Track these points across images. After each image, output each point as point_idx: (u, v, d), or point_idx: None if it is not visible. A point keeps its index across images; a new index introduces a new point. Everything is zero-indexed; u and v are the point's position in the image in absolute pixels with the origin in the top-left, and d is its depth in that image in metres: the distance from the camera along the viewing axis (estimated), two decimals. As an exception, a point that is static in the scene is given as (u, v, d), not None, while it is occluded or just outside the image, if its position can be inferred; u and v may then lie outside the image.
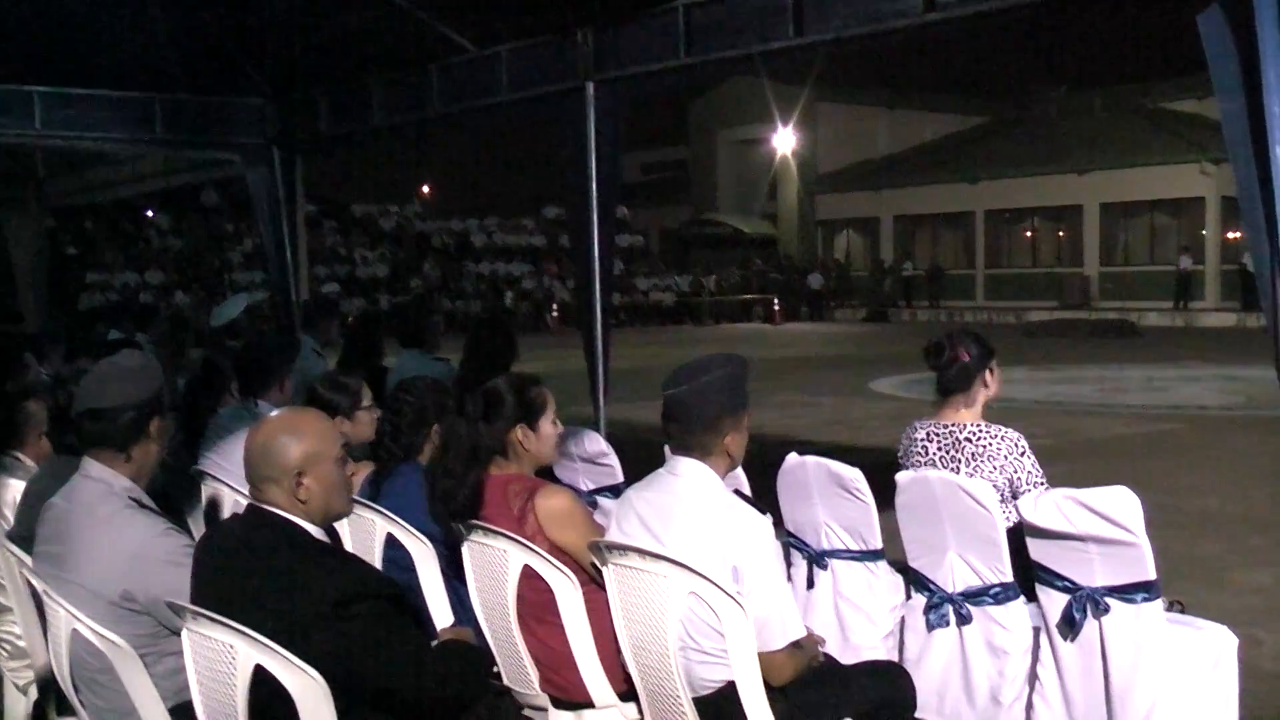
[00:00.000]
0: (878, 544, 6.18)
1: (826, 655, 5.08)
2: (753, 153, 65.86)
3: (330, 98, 12.67)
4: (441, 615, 5.40)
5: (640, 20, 9.16)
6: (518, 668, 5.18)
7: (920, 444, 6.18)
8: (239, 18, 10.79)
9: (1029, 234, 58.47)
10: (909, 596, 6.08)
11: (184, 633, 4.01)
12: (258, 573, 4.07)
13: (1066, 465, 12.43)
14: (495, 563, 5.09)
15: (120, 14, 10.62)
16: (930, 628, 5.78)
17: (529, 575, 4.97)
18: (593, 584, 4.91)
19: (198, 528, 6.70)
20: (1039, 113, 64.53)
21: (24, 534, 5.33)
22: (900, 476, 5.91)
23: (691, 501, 4.66)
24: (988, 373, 6.18)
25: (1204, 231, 51.44)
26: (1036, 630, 5.48)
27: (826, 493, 6.24)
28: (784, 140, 60.85)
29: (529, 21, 9.88)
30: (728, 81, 57.79)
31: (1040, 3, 7.20)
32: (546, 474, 6.41)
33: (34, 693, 5.72)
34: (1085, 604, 5.11)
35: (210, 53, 11.72)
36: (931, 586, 5.79)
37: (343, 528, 5.66)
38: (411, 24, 10.01)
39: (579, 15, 9.44)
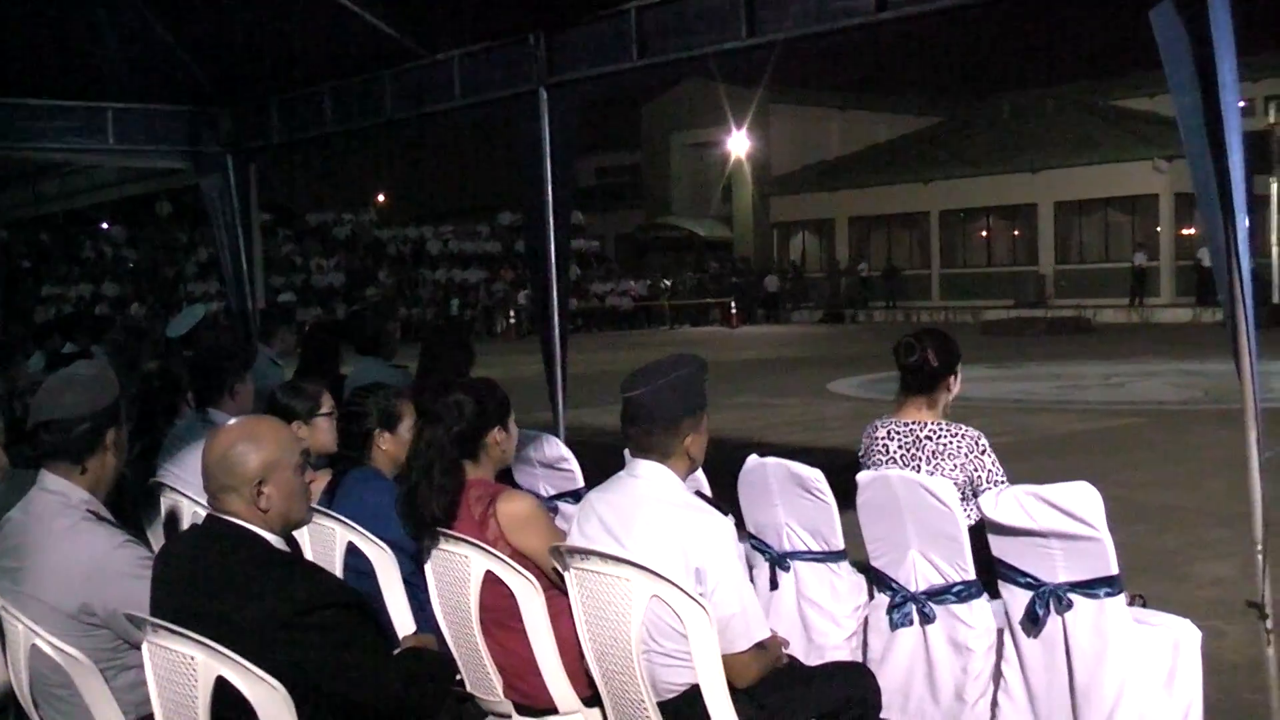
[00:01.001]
0: (839, 544, 6.18)
1: (790, 656, 5.08)
2: (707, 156, 66.00)
3: (282, 104, 12.61)
4: (403, 622, 5.38)
5: (592, 23, 9.14)
6: (481, 674, 5.15)
7: (881, 442, 6.18)
8: (189, 24, 10.73)
9: (984, 233, 58.68)
10: (872, 596, 6.07)
11: (144, 645, 3.98)
12: (217, 583, 4.03)
13: (1026, 462, 12.44)
14: (457, 568, 5.06)
15: (70, 22, 10.54)
16: (894, 627, 5.78)
17: (491, 581, 4.94)
18: (555, 589, 4.89)
19: (157, 540, 6.65)
20: (992, 112, 64.89)
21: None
22: (861, 476, 5.90)
23: (652, 504, 4.64)
24: (952, 377, 6.19)
25: (1158, 228, 51.75)
26: (1000, 628, 5.49)
27: (787, 494, 6.23)
28: (738, 143, 60.95)
29: (481, 26, 9.85)
30: (680, 85, 57.88)
31: (992, 1, 7.20)
32: (505, 479, 6.39)
33: (-5, 710, 5.67)
34: (1048, 600, 5.11)
35: (161, 60, 11.64)
36: (894, 585, 5.78)
37: (303, 536, 5.63)
38: (363, 29, 9.96)
39: (531, 19, 9.41)
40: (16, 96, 12.29)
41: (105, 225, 52.74)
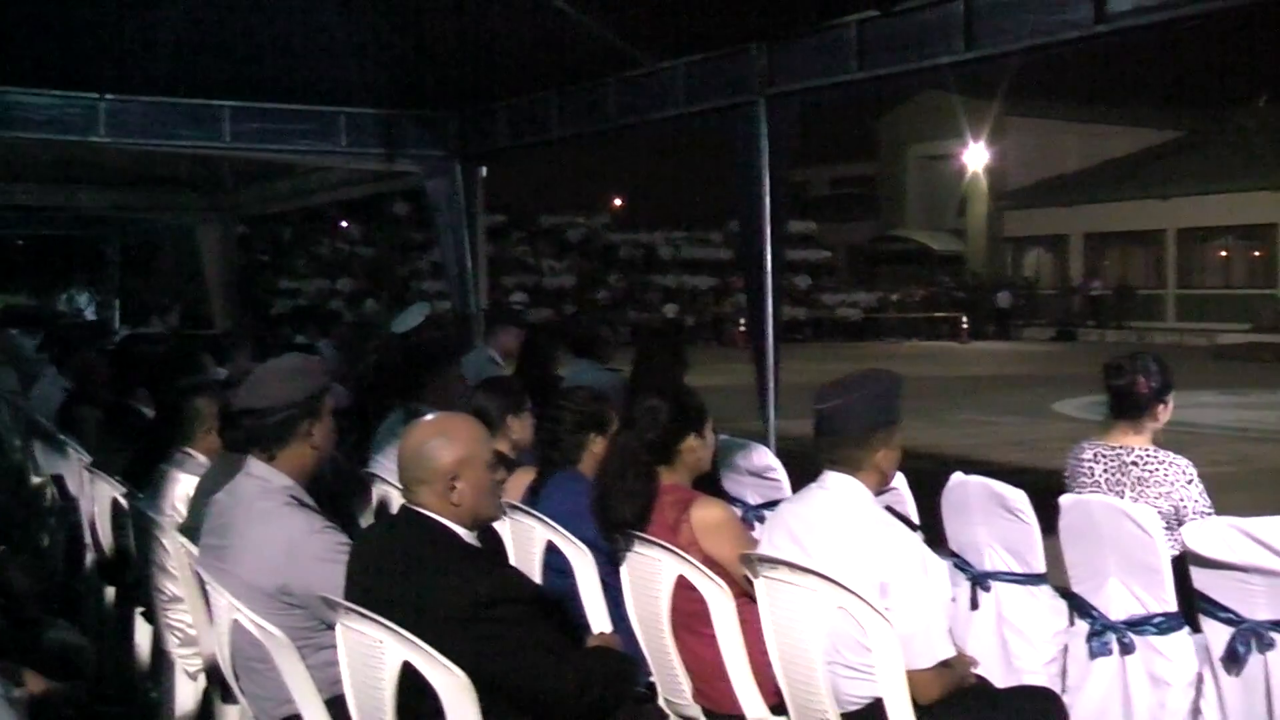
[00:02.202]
0: (1041, 567, 6.09)
1: (979, 677, 5.02)
2: (942, 168, 65.17)
3: (509, 109, 12.85)
4: (599, 622, 5.44)
5: (813, 35, 9.18)
6: (671, 677, 5.21)
7: (1086, 465, 6.10)
8: (421, 32, 10.99)
9: (1222, 253, 56.88)
10: (1072, 622, 5.97)
11: (337, 627, 4.13)
12: (406, 572, 4.19)
13: (1244, 494, 12.02)
14: (650, 572, 5.12)
15: (306, 30, 10.87)
16: (1092, 655, 5.67)
17: (683, 586, 4.99)
18: (745, 596, 4.91)
19: (366, 528, 6.84)
20: (1236, 125, 62.81)
21: (194, 527, 5.51)
22: (1064, 499, 5.83)
23: (840, 516, 4.65)
24: (1162, 405, 6.06)
25: None
26: (1200, 664, 5.37)
27: (989, 513, 6.17)
28: (973, 156, 60.12)
29: (705, 35, 9.94)
30: (917, 95, 57.28)
31: (1219, 11, 7.06)
32: (713, 487, 6.44)
33: (202, 680, 5.89)
34: (1249, 637, 4.99)
35: (393, 66, 11.96)
36: (1094, 613, 5.69)
37: (504, 534, 5.76)
38: (589, 37, 10.11)
39: (753, 30, 9.48)
40: (254, 100, 12.73)
41: (343, 223, 53.97)
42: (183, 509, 6.33)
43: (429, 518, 4.26)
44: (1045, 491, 6.06)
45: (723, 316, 55.17)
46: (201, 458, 6.59)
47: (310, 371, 5.06)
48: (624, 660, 4.76)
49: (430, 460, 4.25)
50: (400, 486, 5.96)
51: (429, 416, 4.52)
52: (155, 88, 12.34)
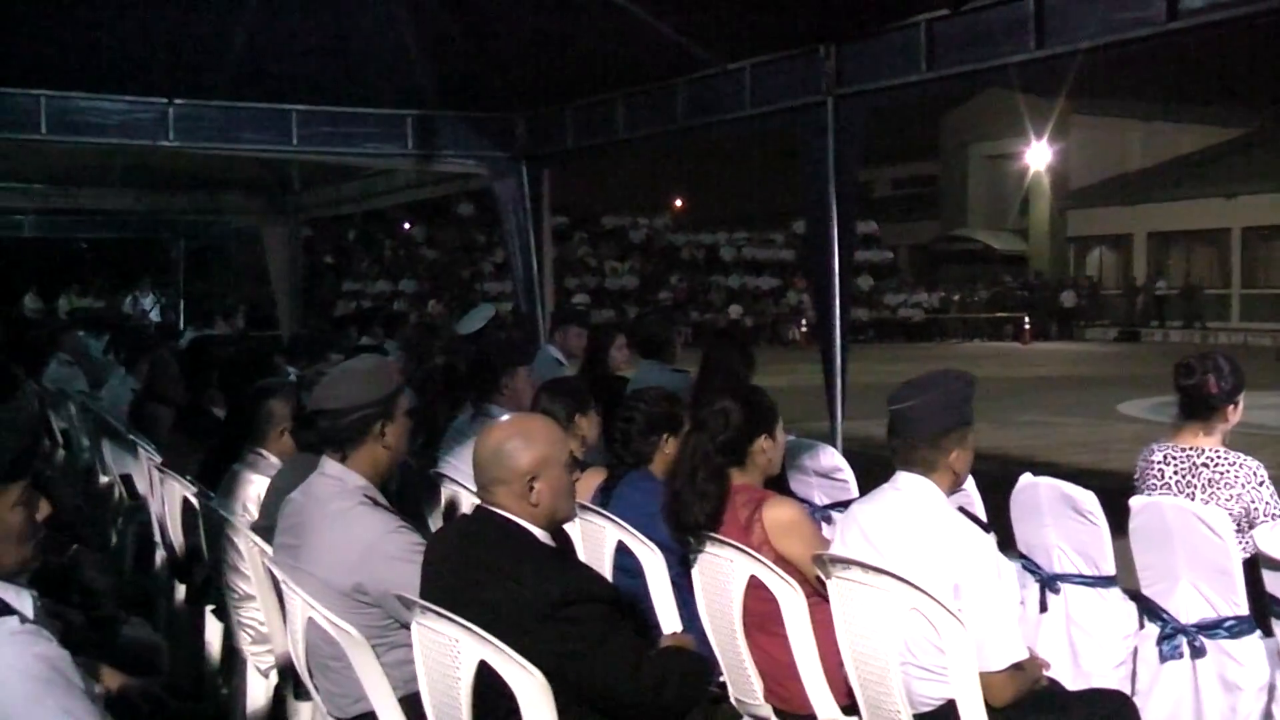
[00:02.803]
0: (1110, 569, 6.05)
1: (1051, 680, 5.00)
2: (1005, 167, 64.68)
3: (576, 112, 12.89)
4: (669, 623, 5.45)
5: (882, 35, 9.16)
6: (742, 677, 5.21)
7: (1156, 467, 6.06)
8: (488, 34, 11.03)
9: (1289, 252, 56.31)
10: (1142, 625, 5.94)
11: (413, 626, 4.16)
12: (483, 571, 4.21)
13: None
14: (722, 572, 5.13)
15: (373, 33, 10.94)
16: (1163, 659, 5.65)
17: (755, 585, 5.00)
18: (817, 596, 4.91)
19: (436, 528, 6.87)
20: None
21: (267, 526, 5.56)
22: (1134, 501, 5.81)
23: (913, 517, 4.65)
24: (1231, 407, 6.01)
25: None
26: (1273, 668, 5.34)
27: (1058, 515, 6.14)
28: (1036, 154, 59.65)
29: (773, 36, 9.93)
30: (980, 95, 56.88)
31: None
32: (782, 487, 6.44)
33: (274, 676, 5.96)
34: (1320, 640, 4.97)
35: (460, 68, 12.01)
36: (1164, 616, 5.66)
37: (575, 534, 5.77)
38: (656, 39, 10.12)
39: (822, 30, 9.47)
40: (321, 104, 12.82)
41: (406, 225, 54.18)
42: (254, 509, 6.38)
43: (505, 518, 4.29)
44: (1113, 493, 6.04)
45: (779, 317, 55.04)
46: (273, 458, 6.65)
47: (385, 373, 5.10)
48: (698, 660, 4.76)
49: (510, 461, 4.29)
50: (470, 487, 6.02)
51: (506, 417, 4.55)
52: (223, 92, 12.45)
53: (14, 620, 3.42)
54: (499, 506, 4.31)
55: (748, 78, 10.43)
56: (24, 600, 3.58)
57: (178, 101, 12.60)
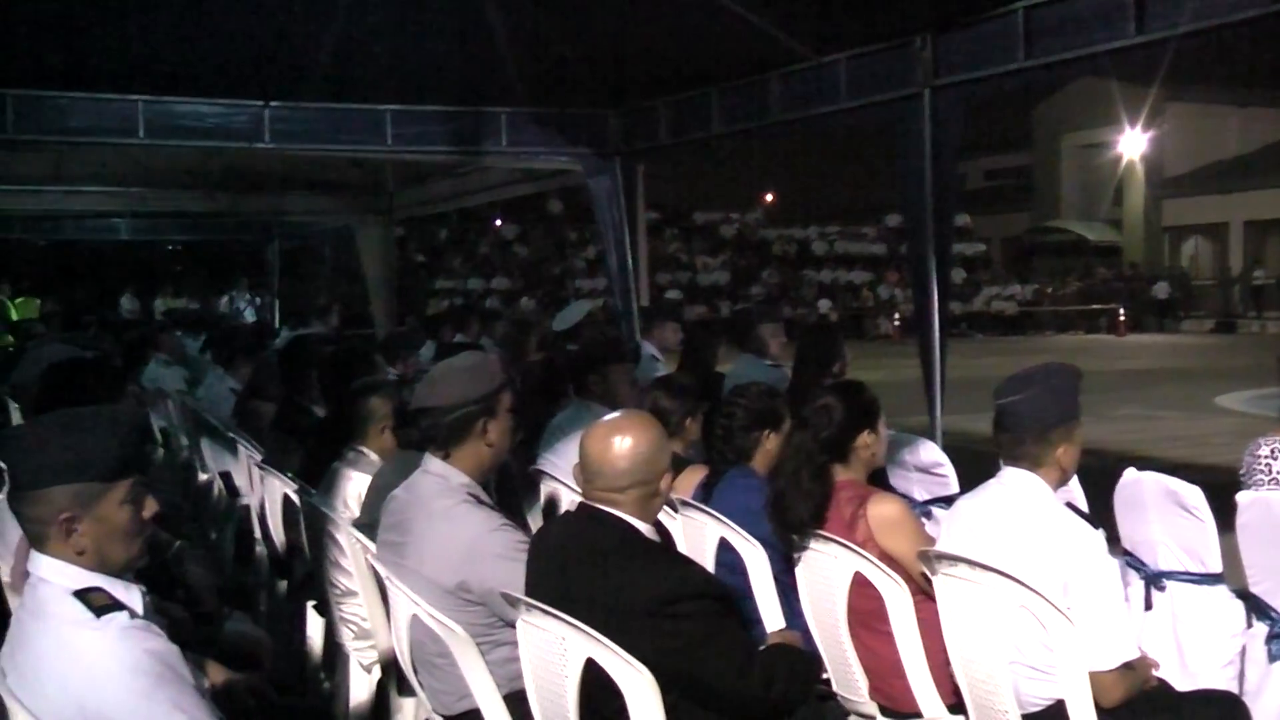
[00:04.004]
0: (1217, 567, 5.95)
1: (1160, 680, 4.93)
2: (1098, 156, 63.92)
3: (670, 107, 12.88)
4: (772, 620, 5.43)
5: (979, 24, 9.07)
6: (847, 675, 5.19)
7: (1264, 462, 5.96)
8: (582, 30, 11.04)
9: (1392, 240, 55.30)
10: (1250, 624, 5.84)
11: (518, 623, 4.16)
12: (589, 568, 4.21)
13: None
14: (826, 568, 5.12)
15: (467, 31, 10.97)
16: (1271, 659, 5.55)
17: (860, 583, 4.98)
18: (923, 594, 4.88)
19: (535, 524, 6.89)
20: None
21: (369, 522, 5.60)
22: (1240, 497, 5.71)
23: (1021, 513, 4.60)
24: None
25: None
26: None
27: (1163, 510, 6.04)
28: (1130, 143, 58.93)
29: (869, 28, 9.87)
30: (1073, 83, 56.22)
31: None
32: (880, 481, 6.40)
33: (377, 672, 6.00)
34: None
35: (554, 65, 12.03)
36: (1273, 614, 5.56)
37: (676, 530, 5.77)
38: (751, 32, 10.09)
39: (918, 21, 9.39)
40: (416, 103, 12.89)
41: (498, 222, 54.44)
42: (355, 506, 6.42)
43: (611, 514, 4.29)
44: (1215, 488, 5.93)
45: (865, 311, 54.80)
46: (374, 456, 6.68)
47: (487, 370, 5.09)
48: (806, 657, 4.75)
49: (614, 459, 4.29)
50: (569, 483, 6.02)
51: (615, 416, 4.52)
52: (318, 94, 12.55)
53: (124, 615, 3.47)
54: (605, 503, 4.30)
55: (843, 70, 10.38)
56: (133, 596, 3.63)
57: (273, 104, 12.73)
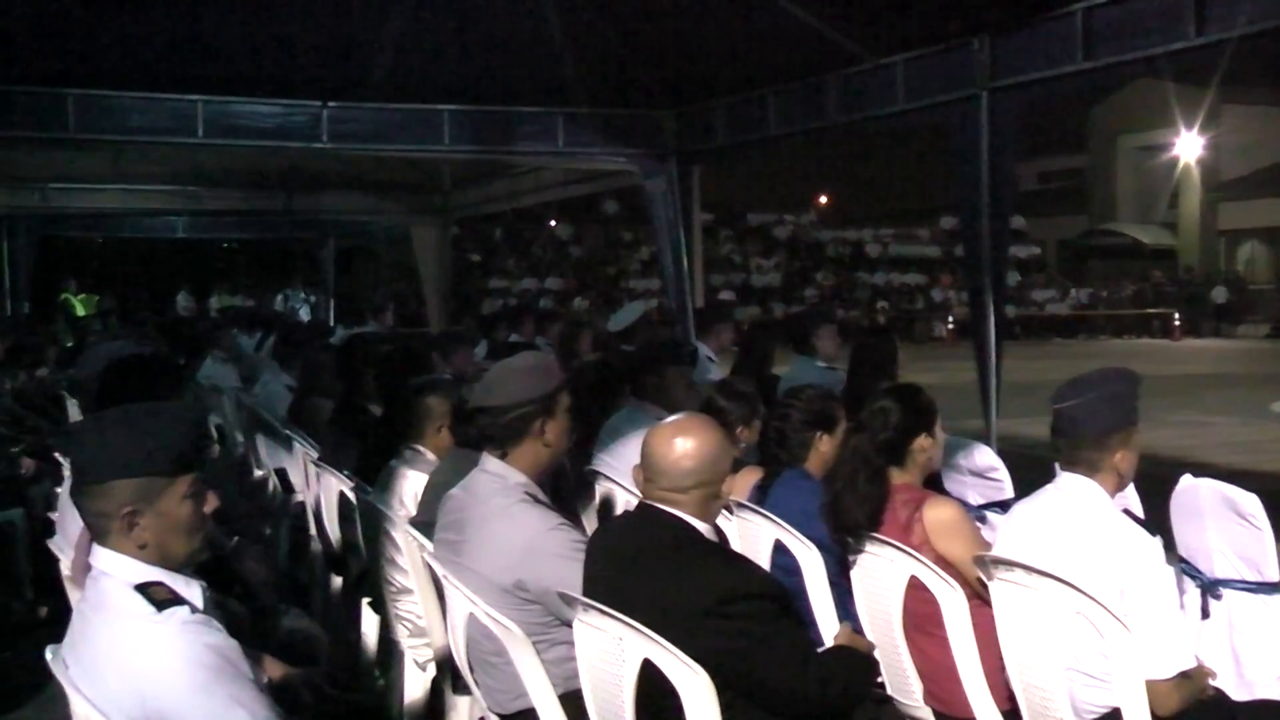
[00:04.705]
0: (1275, 575, 5.88)
1: (1217, 689, 4.90)
2: (1154, 159, 63.44)
3: (727, 109, 12.88)
4: (827, 622, 5.42)
5: (1037, 25, 9.04)
6: (901, 679, 5.18)
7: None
8: (639, 31, 11.06)
9: None
10: (1308, 634, 5.79)
11: (575, 623, 4.18)
12: (648, 569, 4.22)
13: None
14: (881, 572, 5.11)
15: (524, 31, 11.01)
16: (1330, 669, 5.51)
17: (915, 586, 4.97)
18: (978, 598, 4.86)
19: (590, 524, 6.91)
20: None
21: (425, 521, 5.63)
22: (1299, 504, 5.66)
23: (1077, 519, 4.59)
24: None
25: None
26: None
27: (1219, 518, 5.98)
28: (1186, 145, 58.48)
29: (926, 30, 9.86)
30: (1129, 84, 55.81)
31: None
32: (935, 485, 6.38)
33: (432, 669, 6.02)
34: None
35: (610, 66, 12.06)
36: (1332, 624, 5.52)
37: (731, 531, 5.77)
38: (808, 34, 10.09)
39: (975, 23, 9.37)
40: (474, 103, 12.94)
41: (552, 222, 54.57)
42: (411, 504, 6.45)
43: (670, 514, 4.29)
44: (1273, 495, 5.88)
45: (915, 314, 54.58)
46: (430, 455, 6.71)
47: (546, 370, 5.12)
48: (864, 659, 4.74)
49: (677, 461, 4.29)
50: (624, 484, 6.03)
51: (678, 418, 4.53)
52: (376, 94, 12.62)
53: (185, 610, 3.51)
54: (666, 503, 4.31)
55: (900, 72, 10.37)
56: (194, 591, 3.66)
57: (331, 104, 12.82)
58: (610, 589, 4.22)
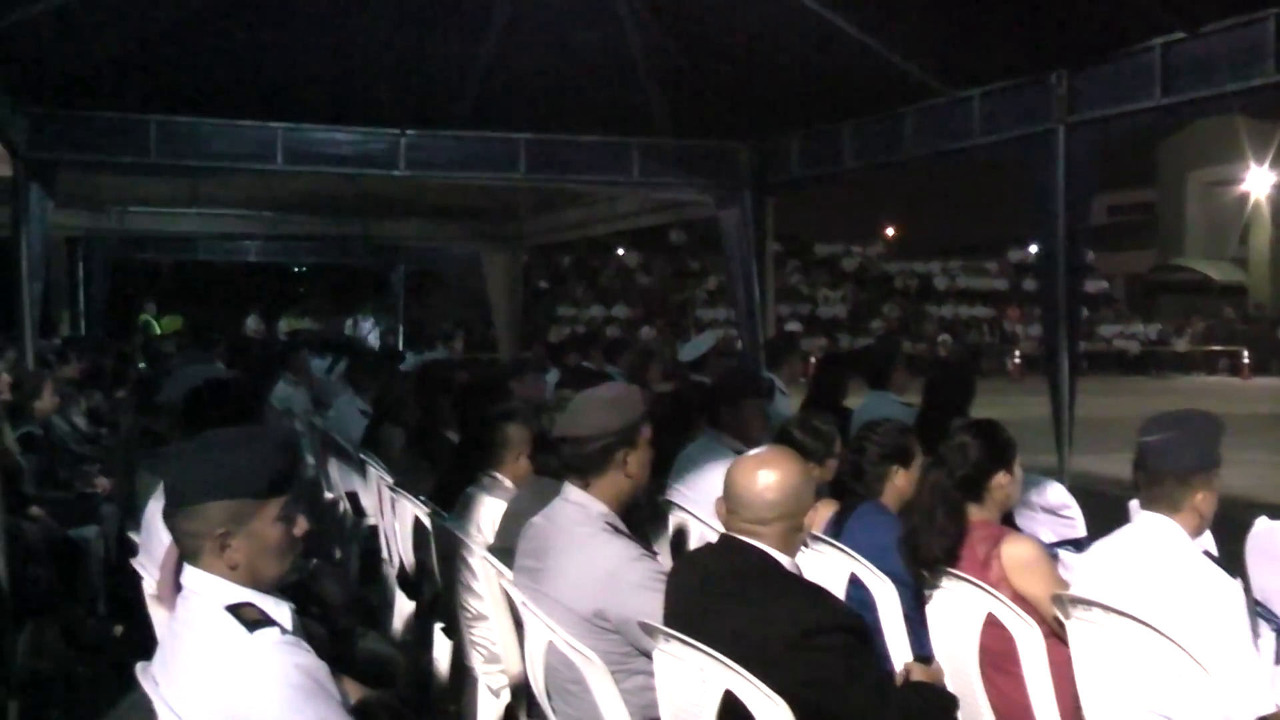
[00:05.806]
0: (1352, 620, 5.87)
1: (1295, 736, 4.87)
2: (1224, 194, 62.92)
3: (802, 140, 12.90)
4: (901, 656, 5.42)
5: (1116, 60, 9.02)
6: (976, 716, 5.16)
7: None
8: (716, 62, 11.10)
9: None
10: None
11: (655, 653, 4.20)
12: (730, 600, 4.24)
13: None
14: (958, 607, 5.10)
15: (603, 62, 11.07)
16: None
17: (991, 623, 4.96)
18: (1055, 637, 4.86)
19: (663, 555, 6.91)
20: None
21: (504, 548, 5.66)
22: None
23: (1158, 559, 4.57)
24: None
25: None
26: None
27: (1299, 560, 5.97)
28: (1258, 180, 57.97)
29: (1004, 64, 9.85)
30: (1200, 120, 55.32)
31: None
32: (1006, 521, 6.36)
33: (506, 696, 6.04)
34: None
35: (687, 96, 12.09)
36: None
37: (807, 564, 5.77)
38: (886, 67, 10.10)
39: (1053, 57, 9.36)
40: (550, 132, 13.01)
41: (620, 251, 54.71)
42: (488, 531, 6.46)
43: (752, 546, 4.32)
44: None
45: (982, 347, 54.25)
46: (508, 482, 6.72)
47: (630, 401, 5.14)
48: (943, 694, 4.74)
49: (760, 494, 4.32)
50: (700, 515, 6.04)
51: (757, 451, 4.56)
52: (454, 122, 12.70)
53: (276, 631, 3.56)
54: (749, 535, 4.33)
55: (976, 106, 10.35)
56: (283, 611, 3.71)
57: (409, 132, 12.90)
58: (691, 620, 4.24)
